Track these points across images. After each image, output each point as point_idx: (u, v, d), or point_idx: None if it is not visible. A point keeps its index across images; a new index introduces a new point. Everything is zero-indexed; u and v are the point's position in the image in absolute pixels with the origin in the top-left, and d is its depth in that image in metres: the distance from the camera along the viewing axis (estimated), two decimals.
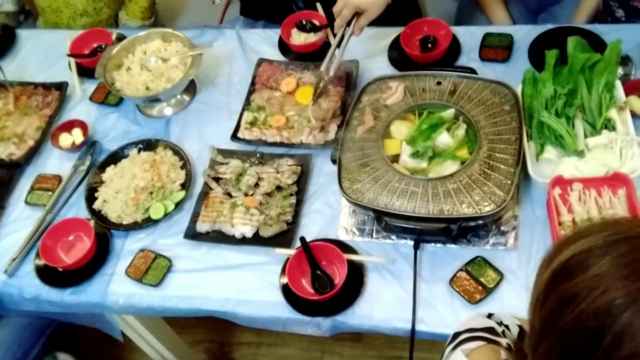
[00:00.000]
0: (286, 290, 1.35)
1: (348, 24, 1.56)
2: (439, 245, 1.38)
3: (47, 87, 1.88)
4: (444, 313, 1.29)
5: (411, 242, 1.37)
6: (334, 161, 1.41)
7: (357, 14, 1.54)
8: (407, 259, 1.36)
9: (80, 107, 1.84)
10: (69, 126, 1.74)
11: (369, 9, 1.52)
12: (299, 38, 1.78)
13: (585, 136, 1.39)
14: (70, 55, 1.89)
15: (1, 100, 1.85)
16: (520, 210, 1.39)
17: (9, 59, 2.03)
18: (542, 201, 1.37)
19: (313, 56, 1.75)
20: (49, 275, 1.50)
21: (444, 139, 1.40)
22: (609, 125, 1.40)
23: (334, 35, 1.62)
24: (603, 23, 1.75)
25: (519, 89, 1.47)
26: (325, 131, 1.57)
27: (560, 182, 1.32)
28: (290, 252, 1.39)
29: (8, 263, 1.53)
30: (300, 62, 1.74)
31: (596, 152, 1.37)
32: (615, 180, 1.30)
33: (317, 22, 1.79)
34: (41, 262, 1.50)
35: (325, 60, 1.56)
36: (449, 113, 1.43)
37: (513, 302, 1.27)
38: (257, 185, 1.52)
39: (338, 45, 1.57)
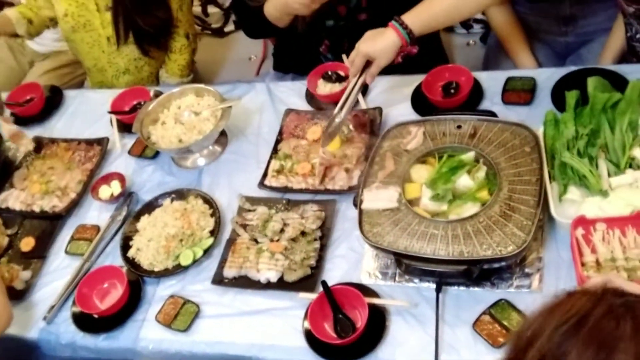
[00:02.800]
0: (309, 335, 1.36)
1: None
2: (462, 288, 1.36)
3: (89, 142, 1.98)
4: (468, 357, 1.27)
5: (434, 286, 1.36)
6: (355, 205, 1.44)
7: (369, 62, 1.60)
8: (430, 302, 1.36)
9: (119, 160, 1.94)
10: (108, 179, 1.83)
11: (379, 57, 1.57)
12: (324, 88, 1.84)
13: (609, 175, 1.38)
14: (111, 112, 2.01)
15: (47, 157, 1.97)
16: (544, 251, 1.37)
17: (57, 117, 2.16)
18: (567, 242, 1.35)
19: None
20: (85, 321, 1.55)
21: (464, 181, 1.41)
22: (634, 164, 1.38)
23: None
24: (629, 64, 1.74)
25: (541, 131, 1.47)
26: (350, 177, 1.60)
27: (583, 222, 1.30)
28: (314, 296, 1.40)
29: (47, 310, 1.59)
30: (326, 111, 1.79)
31: (621, 191, 1.35)
32: None
33: (342, 73, 1.85)
34: (77, 309, 1.56)
35: (339, 104, 1.61)
36: (469, 156, 1.45)
37: None
38: (282, 230, 1.56)
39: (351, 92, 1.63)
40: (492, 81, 1.75)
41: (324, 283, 1.38)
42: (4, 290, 1.52)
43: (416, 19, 1.55)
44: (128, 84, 2.31)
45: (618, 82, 1.56)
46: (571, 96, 1.48)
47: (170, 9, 2.23)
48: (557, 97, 1.62)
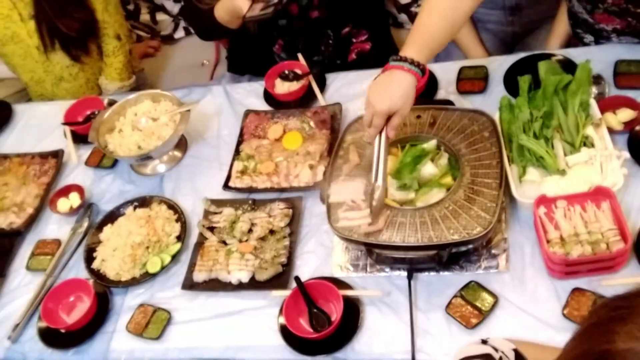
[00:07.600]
0: (285, 332, 1.36)
1: None
2: (432, 273, 1.39)
3: (43, 156, 1.93)
4: (443, 341, 1.29)
5: (405, 273, 1.38)
6: (323, 200, 1.44)
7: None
8: (402, 290, 1.37)
9: (76, 172, 1.89)
10: (66, 191, 1.78)
11: (402, 107, 1.35)
12: (282, 87, 1.84)
13: (565, 155, 1.42)
14: (64, 124, 1.96)
15: (0, 173, 1.91)
16: (509, 232, 1.41)
17: (7, 133, 2.10)
18: (529, 222, 1.39)
19: (297, 103, 1.81)
20: (52, 337, 1.51)
21: (428, 169, 1.43)
22: (588, 143, 1.43)
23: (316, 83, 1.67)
24: (575, 48, 1.81)
25: (496, 116, 1.51)
26: (314, 173, 1.61)
27: (545, 201, 1.34)
28: (287, 293, 1.40)
29: (11, 329, 1.54)
30: (285, 109, 1.79)
31: (577, 169, 1.39)
32: (598, 194, 1.32)
33: (299, 71, 1.86)
34: (43, 324, 1.52)
35: (373, 172, 1.38)
36: (431, 144, 1.47)
37: (509, 324, 1.27)
38: (250, 231, 1.55)
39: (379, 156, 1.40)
40: (445, 72, 1.79)
41: (297, 278, 1.38)
42: None
43: (419, 50, 1.36)
44: (68, 92, 2.26)
45: (566, 66, 1.62)
46: (524, 81, 1.53)
47: (93, 10, 2.17)
48: (509, 83, 1.66)
